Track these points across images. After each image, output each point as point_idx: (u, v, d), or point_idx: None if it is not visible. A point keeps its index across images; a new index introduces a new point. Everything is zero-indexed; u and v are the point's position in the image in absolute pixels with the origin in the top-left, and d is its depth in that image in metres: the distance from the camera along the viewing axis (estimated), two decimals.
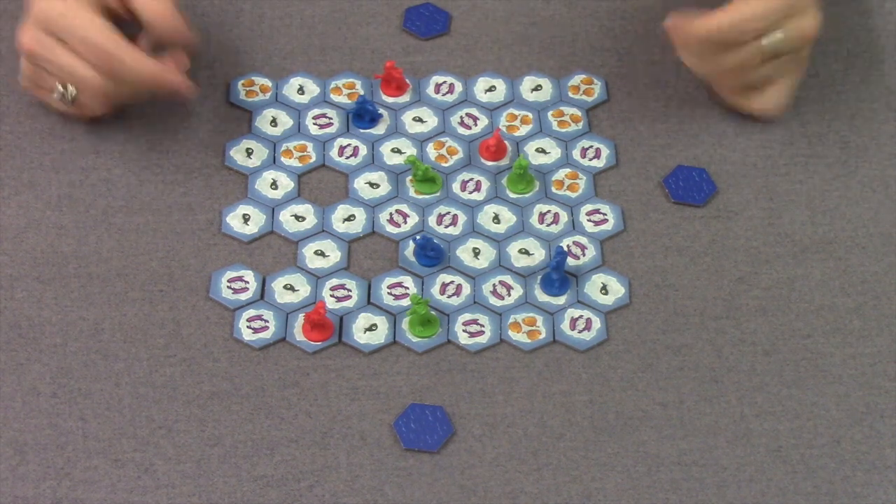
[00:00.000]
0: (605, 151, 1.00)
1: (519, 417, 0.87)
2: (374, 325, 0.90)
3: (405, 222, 0.96)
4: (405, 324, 0.90)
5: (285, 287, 0.92)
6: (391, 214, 0.96)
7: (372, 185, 0.97)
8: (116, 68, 0.93)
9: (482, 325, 0.91)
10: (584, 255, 0.94)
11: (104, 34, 0.92)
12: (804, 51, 0.98)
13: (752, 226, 0.97)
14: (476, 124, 1.01)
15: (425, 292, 0.92)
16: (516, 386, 0.89)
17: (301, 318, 0.90)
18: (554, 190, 0.98)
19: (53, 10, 0.93)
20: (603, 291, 0.93)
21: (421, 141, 1.00)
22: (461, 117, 1.01)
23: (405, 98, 1.02)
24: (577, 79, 1.04)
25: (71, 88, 0.95)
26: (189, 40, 0.96)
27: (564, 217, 0.96)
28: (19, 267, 0.93)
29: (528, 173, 0.97)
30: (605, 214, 0.97)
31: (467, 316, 0.91)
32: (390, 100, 1.02)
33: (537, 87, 1.03)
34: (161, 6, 0.94)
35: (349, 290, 0.92)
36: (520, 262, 0.94)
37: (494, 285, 0.93)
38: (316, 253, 0.94)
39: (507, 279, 0.93)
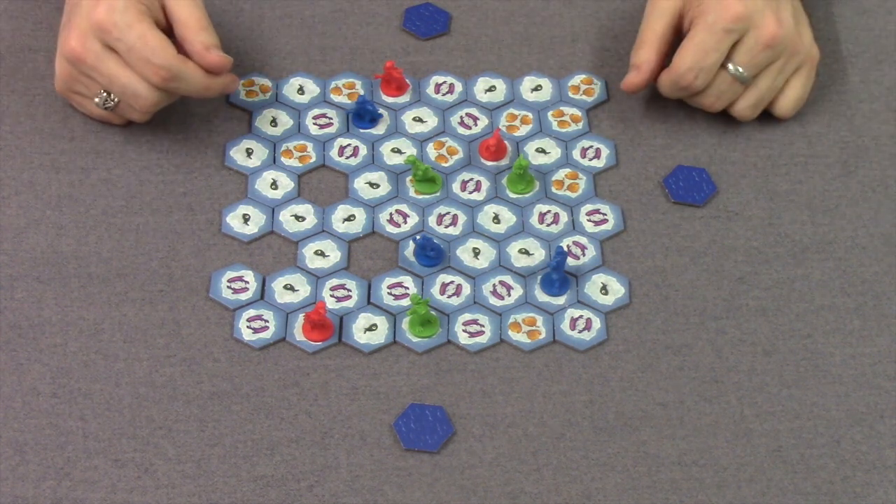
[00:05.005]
0: (605, 151, 1.00)
1: (519, 417, 0.87)
2: (374, 325, 0.90)
3: (405, 222, 0.96)
4: (405, 324, 0.90)
5: (285, 287, 0.92)
6: (391, 214, 0.96)
7: (372, 185, 0.97)
8: (175, 85, 0.92)
9: (482, 325, 0.91)
10: (584, 255, 0.94)
11: (166, 52, 0.91)
12: (784, 52, 0.97)
13: (752, 226, 0.97)
14: (476, 124, 1.01)
15: (425, 292, 0.92)
16: (516, 386, 0.89)
17: (301, 318, 0.90)
18: (554, 190, 0.98)
19: (111, 21, 0.91)
20: (603, 291, 0.93)
21: (421, 141, 1.00)
22: (461, 117, 1.01)
23: (405, 98, 1.02)
24: (577, 79, 1.04)
25: (113, 96, 0.94)
26: (227, 78, 0.96)
27: (564, 217, 0.96)
28: (19, 267, 0.93)
29: (528, 173, 0.97)
30: (605, 214, 0.97)
31: (467, 316, 0.91)
32: (390, 100, 1.02)
33: (537, 87, 1.03)
34: (205, 42, 0.94)
35: (349, 290, 0.92)
36: (520, 262, 0.94)
37: (494, 285, 0.93)
38: (316, 253, 0.94)
39: (507, 279, 0.93)
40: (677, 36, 0.99)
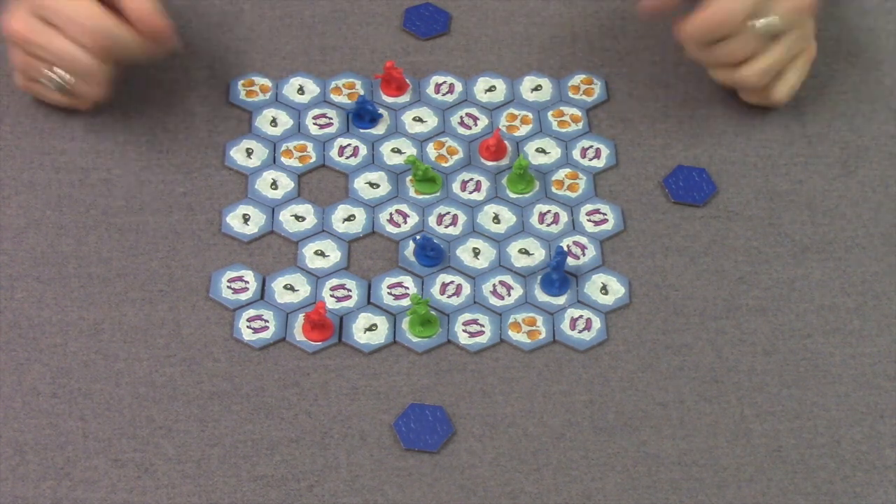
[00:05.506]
0: (605, 151, 1.00)
1: (519, 417, 0.87)
2: (374, 325, 0.90)
3: (405, 222, 0.96)
4: (405, 324, 0.90)
5: (285, 287, 0.92)
6: (391, 214, 0.96)
7: (372, 185, 0.97)
8: (115, 49, 0.92)
9: (482, 325, 0.91)
10: (584, 255, 0.94)
11: (100, 16, 0.91)
12: (806, 28, 0.96)
13: (752, 226, 0.97)
14: (476, 124, 1.01)
15: (425, 292, 0.92)
16: (516, 386, 0.89)
17: (301, 318, 0.90)
18: (554, 190, 0.98)
19: None
20: (603, 291, 0.93)
21: (421, 141, 1.00)
22: (461, 117, 1.01)
23: (405, 98, 1.02)
24: (577, 79, 1.04)
25: (65, 75, 0.94)
26: (169, 42, 0.95)
27: (564, 217, 0.96)
28: (19, 267, 0.93)
29: (528, 173, 0.97)
30: (605, 214, 0.97)
31: (467, 316, 0.91)
32: (390, 100, 1.02)
33: (537, 87, 1.03)
34: (145, 6, 0.93)
35: (349, 290, 0.92)
36: (520, 262, 0.94)
37: (494, 285, 0.93)
38: (316, 253, 0.94)
39: (507, 279, 0.93)
40: None
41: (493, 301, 0.92)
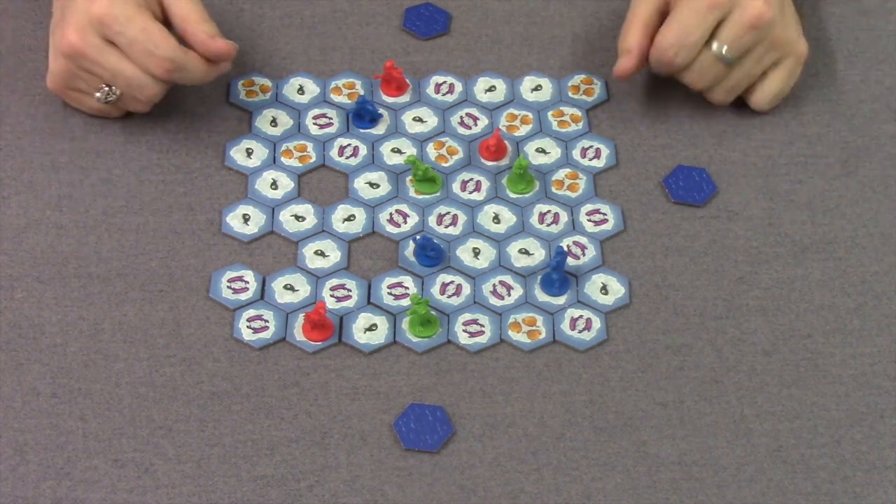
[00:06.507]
0: (605, 151, 1.00)
1: (519, 417, 0.87)
2: (374, 325, 0.90)
3: (405, 222, 0.96)
4: (405, 324, 0.90)
5: (285, 287, 0.92)
6: (391, 214, 0.96)
7: (372, 185, 0.98)
8: (179, 76, 0.93)
9: (482, 325, 0.91)
10: (584, 255, 0.94)
11: (169, 43, 0.91)
12: (766, 38, 0.96)
13: (752, 226, 0.97)
14: (476, 124, 1.01)
15: (425, 292, 0.92)
16: (516, 386, 0.89)
17: (301, 318, 0.90)
18: (554, 190, 0.98)
19: (110, 14, 0.91)
20: (603, 291, 0.93)
21: (421, 141, 1.00)
22: (461, 117, 1.01)
23: (405, 98, 1.02)
24: (577, 79, 1.04)
25: (117, 91, 0.94)
26: (229, 57, 0.96)
27: (564, 217, 0.96)
28: (19, 267, 0.93)
29: (528, 173, 0.97)
30: (605, 214, 0.97)
31: (467, 316, 0.91)
32: (390, 100, 1.02)
33: (537, 87, 1.04)
34: (209, 31, 0.94)
35: (349, 290, 0.92)
36: (520, 262, 0.94)
37: (494, 285, 0.93)
38: (316, 253, 0.94)
39: (507, 279, 0.93)
40: (663, 20, 0.98)
41: (493, 301, 0.92)
